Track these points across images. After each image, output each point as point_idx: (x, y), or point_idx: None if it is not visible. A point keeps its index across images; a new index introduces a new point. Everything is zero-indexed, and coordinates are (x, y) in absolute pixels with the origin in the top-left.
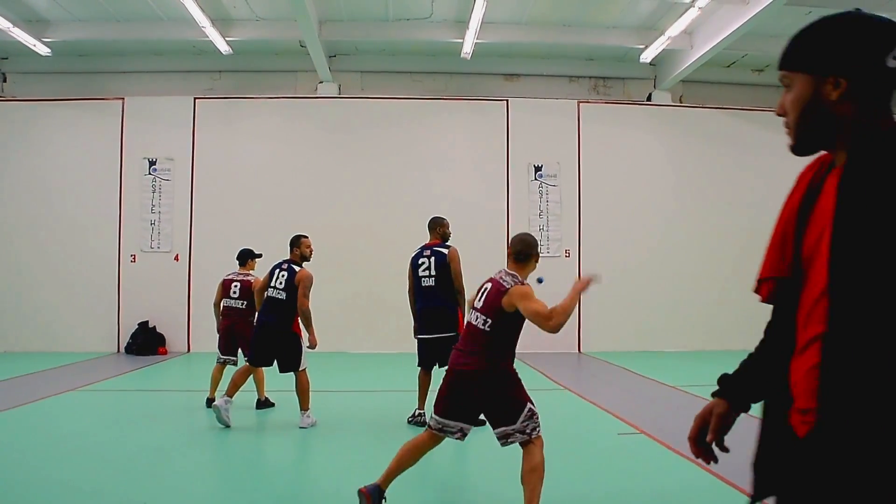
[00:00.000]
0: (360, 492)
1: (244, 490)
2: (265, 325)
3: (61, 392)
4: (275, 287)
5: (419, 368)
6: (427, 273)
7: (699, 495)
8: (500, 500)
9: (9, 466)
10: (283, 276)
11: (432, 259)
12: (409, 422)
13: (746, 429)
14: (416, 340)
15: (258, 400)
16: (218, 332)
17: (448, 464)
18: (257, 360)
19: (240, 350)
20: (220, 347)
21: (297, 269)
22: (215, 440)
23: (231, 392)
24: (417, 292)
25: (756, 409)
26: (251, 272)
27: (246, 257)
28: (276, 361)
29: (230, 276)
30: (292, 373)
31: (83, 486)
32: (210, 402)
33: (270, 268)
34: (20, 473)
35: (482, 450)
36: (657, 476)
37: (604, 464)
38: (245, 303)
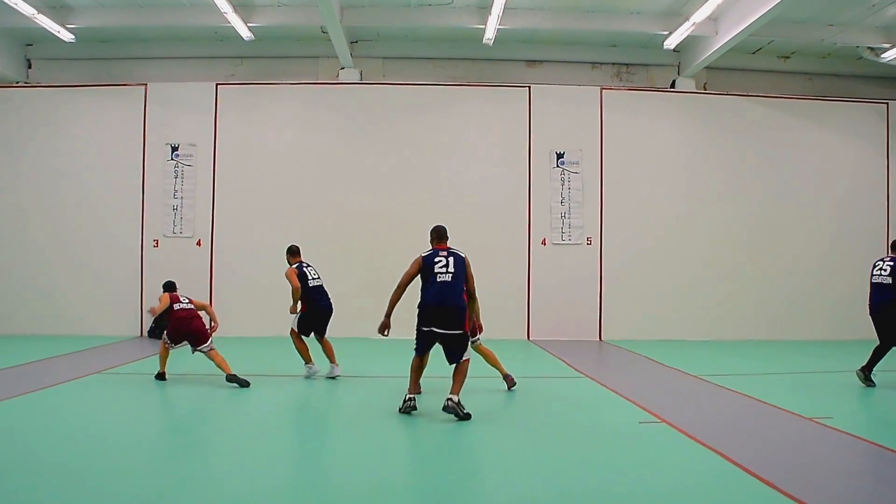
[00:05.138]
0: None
1: (259, 474)
2: (329, 307)
3: (84, 375)
4: (317, 278)
5: (415, 354)
6: (444, 269)
7: (721, 485)
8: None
9: (32, 449)
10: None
11: (451, 259)
12: (400, 411)
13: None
14: (419, 330)
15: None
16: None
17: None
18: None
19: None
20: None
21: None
22: (234, 422)
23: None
24: (430, 288)
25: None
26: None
27: (172, 287)
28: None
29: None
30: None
31: (108, 467)
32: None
33: (306, 263)
34: (42, 457)
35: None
36: (679, 465)
37: (625, 452)
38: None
